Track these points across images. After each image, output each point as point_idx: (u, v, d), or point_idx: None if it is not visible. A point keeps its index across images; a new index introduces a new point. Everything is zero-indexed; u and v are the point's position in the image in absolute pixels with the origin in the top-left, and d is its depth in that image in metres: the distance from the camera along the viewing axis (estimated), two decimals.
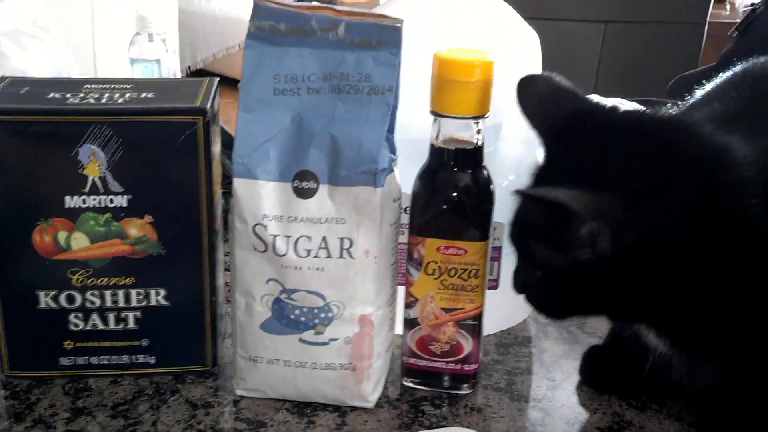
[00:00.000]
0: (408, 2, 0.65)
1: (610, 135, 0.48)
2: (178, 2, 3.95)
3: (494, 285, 0.64)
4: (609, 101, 0.54)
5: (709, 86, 0.57)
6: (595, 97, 0.54)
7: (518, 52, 0.64)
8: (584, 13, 2.33)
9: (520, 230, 0.52)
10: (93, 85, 0.58)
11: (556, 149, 0.50)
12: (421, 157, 0.56)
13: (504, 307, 0.66)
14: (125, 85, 0.58)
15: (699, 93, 0.58)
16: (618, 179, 0.47)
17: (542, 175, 0.50)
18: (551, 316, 0.56)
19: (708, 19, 2.35)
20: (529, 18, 0.66)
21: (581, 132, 0.49)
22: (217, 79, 0.60)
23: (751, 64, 0.57)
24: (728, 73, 0.57)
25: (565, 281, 0.50)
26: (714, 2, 2.38)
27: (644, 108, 0.53)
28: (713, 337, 0.49)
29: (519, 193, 0.48)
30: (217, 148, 0.57)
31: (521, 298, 0.54)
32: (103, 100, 0.55)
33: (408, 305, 0.58)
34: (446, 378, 0.60)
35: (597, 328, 0.69)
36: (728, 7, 3.10)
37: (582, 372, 0.62)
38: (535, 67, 0.65)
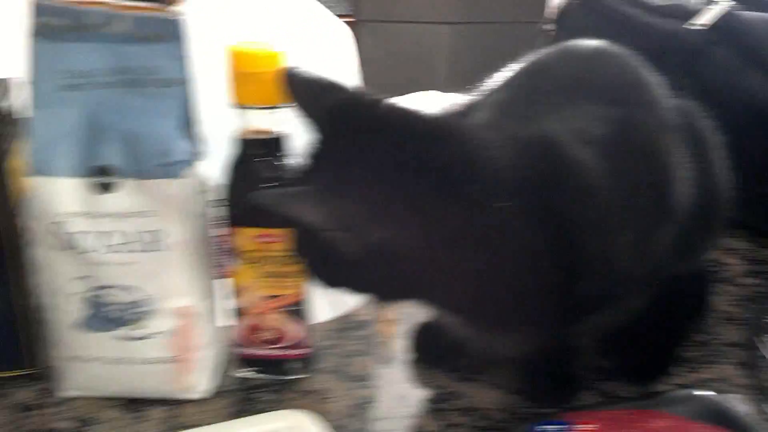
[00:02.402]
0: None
1: (370, 131, 0.48)
2: None
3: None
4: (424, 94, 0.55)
5: (502, 74, 0.59)
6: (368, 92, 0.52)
7: (329, 46, 0.65)
8: (430, 15, 2.40)
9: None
10: None
11: (322, 139, 0.50)
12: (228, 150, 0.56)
13: (336, 293, 0.66)
14: None
15: (492, 81, 0.59)
16: (368, 181, 0.46)
17: (306, 168, 0.50)
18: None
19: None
20: (373, 21, 0.67)
21: (345, 123, 0.49)
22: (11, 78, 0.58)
23: (540, 53, 0.59)
24: (521, 63, 0.59)
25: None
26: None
27: (415, 107, 0.50)
28: (491, 313, 0.51)
29: (263, 204, 0.47)
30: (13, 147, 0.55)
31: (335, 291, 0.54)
32: None
33: (233, 296, 0.58)
34: (277, 364, 0.60)
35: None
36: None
37: (412, 349, 0.63)
38: (349, 61, 0.66)
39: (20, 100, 0.53)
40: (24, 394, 0.58)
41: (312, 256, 0.51)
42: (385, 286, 0.51)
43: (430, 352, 0.63)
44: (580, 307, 0.52)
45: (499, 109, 0.55)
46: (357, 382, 0.61)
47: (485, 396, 0.59)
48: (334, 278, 0.51)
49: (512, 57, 0.60)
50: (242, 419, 0.55)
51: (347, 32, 0.68)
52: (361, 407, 0.58)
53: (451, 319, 0.55)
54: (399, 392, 0.60)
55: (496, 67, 0.59)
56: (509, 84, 0.58)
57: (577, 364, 0.59)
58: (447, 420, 0.57)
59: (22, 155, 0.53)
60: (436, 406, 0.58)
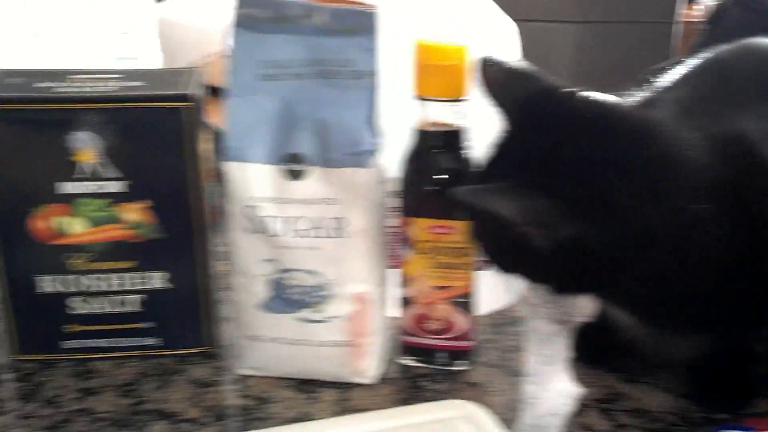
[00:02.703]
0: None
1: (564, 123, 0.48)
2: (155, 10, 3.97)
3: (482, 266, 0.65)
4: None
5: (675, 72, 0.58)
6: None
7: (496, 41, 0.65)
8: (558, 14, 2.36)
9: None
10: (80, 75, 0.59)
11: (514, 130, 0.50)
12: (406, 142, 0.57)
13: (493, 289, 0.67)
14: (111, 75, 0.59)
15: (665, 78, 0.58)
16: (563, 176, 0.46)
17: (495, 160, 0.50)
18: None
19: (680, 18, 2.38)
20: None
21: (539, 114, 0.49)
22: (199, 69, 0.61)
23: (718, 51, 0.58)
24: (695, 60, 0.58)
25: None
26: (687, 2, 2.41)
27: (611, 97, 0.51)
28: (673, 315, 0.50)
29: (453, 199, 0.48)
30: (205, 135, 0.58)
31: (510, 279, 0.55)
32: (90, 89, 0.56)
33: (403, 285, 0.60)
34: (442, 355, 0.61)
35: (585, 308, 0.70)
36: (703, 7, 3.11)
37: (574, 348, 0.63)
38: (514, 57, 0.66)
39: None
40: (201, 371, 0.61)
41: (494, 245, 0.52)
42: (566, 279, 0.51)
43: (594, 351, 0.62)
44: (764, 311, 0.51)
45: (682, 107, 0.54)
46: (520, 377, 0.61)
47: (653, 398, 0.58)
48: (512, 266, 0.52)
49: (637, 57, 0.59)
50: (413, 406, 0.56)
51: (514, 29, 0.68)
52: (525, 402, 0.58)
53: (625, 318, 0.55)
54: (563, 389, 0.60)
55: (622, 67, 0.58)
56: (688, 81, 0.57)
57: (754, 370, 0.57)
58: (615, 420, 0.56)
59: (212, 140, 0.55)
60: (603, 407, 0.58)
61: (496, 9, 0.67)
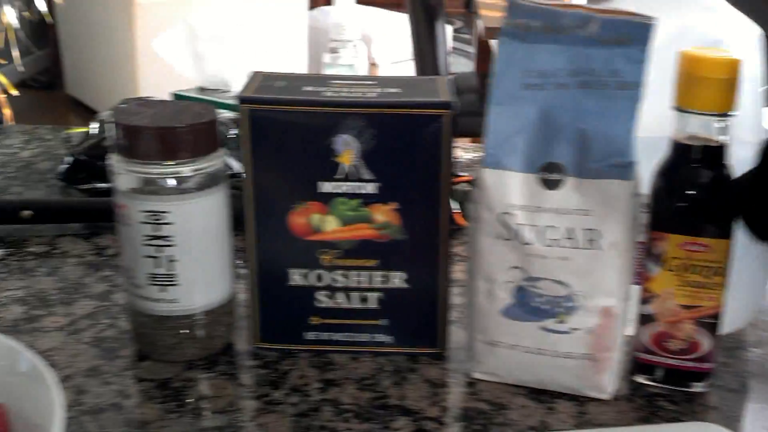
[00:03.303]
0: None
1: None
2: (307, 19, 4.09)
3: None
4: None
5: None
6: None
7: (743, 51, 0.62)
8: None
9: None
10: (339, 81, 0.61)
11: None
12: (655, 154, 0.56)
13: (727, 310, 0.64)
14: (368, 82, 0.61)
15: None
16: None
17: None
18: None
19: None
20: None
21: None
22: (451, 77, 0.63)
23: None
24: None
25: None
26: None
27: None
28: None
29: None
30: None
31: (743, 303, 0.53)
32: (356, 94, 0.58)
33: (644, 301, 0.58)
34: (681, 375, 0.59)
35: None
36: None
37: None
38: (759, 65, 0.63)
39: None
40: (434, 372, 0.62)
41: None
42: None
43: None
44: None
45: None
46: (760, 404, 0.58)
47: None
48: None
49: None
50: (656, 426, 0.55)
51: (759, 35, 0.65)
52: None
53: None
54: None
55: None
56: None
57: None
58: None
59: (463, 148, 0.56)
60: None
61: (743, 18, 0.65)
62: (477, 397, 0.59)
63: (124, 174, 0.56)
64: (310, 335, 0.63)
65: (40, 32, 3.82)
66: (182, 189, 0.56)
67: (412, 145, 0.57)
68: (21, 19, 2.67)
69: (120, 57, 3.75)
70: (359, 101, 0.56)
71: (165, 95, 1.05)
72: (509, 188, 0.54)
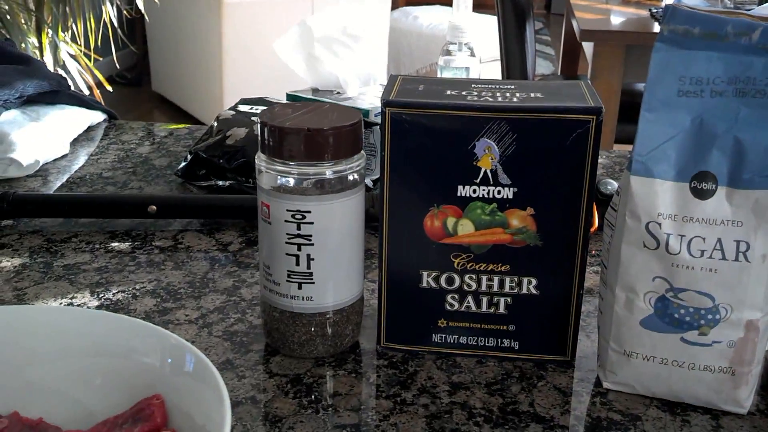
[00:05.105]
0: None
1: None
2: (389, 19, 4.09)
3: None
4: None
5: None
6: None
7: None
8: None
9: None
10: (480, 85, 0.61)
11: None
12: None
13: None
14: (508, 86, 0.61)
15: None
16: None
17: None
18: None
19: None
20: None
21: None
22: (589, 81, 0.62)
23: None
24: None
25: None
26: None
27: None
28: None
29: None
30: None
31: None
32: (499, 99, 0.58)
33: None
34: None
35: None
36: None
37: None
38: None
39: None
40: (562, 380, 0.61)
41: None
42: None
43: None
44: None
45: None
46: None
47: None
48: None
49: None
50: None
51: None
52: None
53: None
54: None
55: None
56: None
57: None
58: None
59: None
60: None
61: None
62: (609, 407, 0.58)
63: (269, 173, 0.58)
64: (437, 337, 0.63)
65: (129, 29, 3.94)
66: (324, 190, 0.57)
67: (553, 150, 0.57)
68: (118, 16, 2.75)
69: (207, 56, 3.84)
70: (507, 106, 0.56)
71: (253, 94, 1.07)
72: (658, 196, 0.53)
